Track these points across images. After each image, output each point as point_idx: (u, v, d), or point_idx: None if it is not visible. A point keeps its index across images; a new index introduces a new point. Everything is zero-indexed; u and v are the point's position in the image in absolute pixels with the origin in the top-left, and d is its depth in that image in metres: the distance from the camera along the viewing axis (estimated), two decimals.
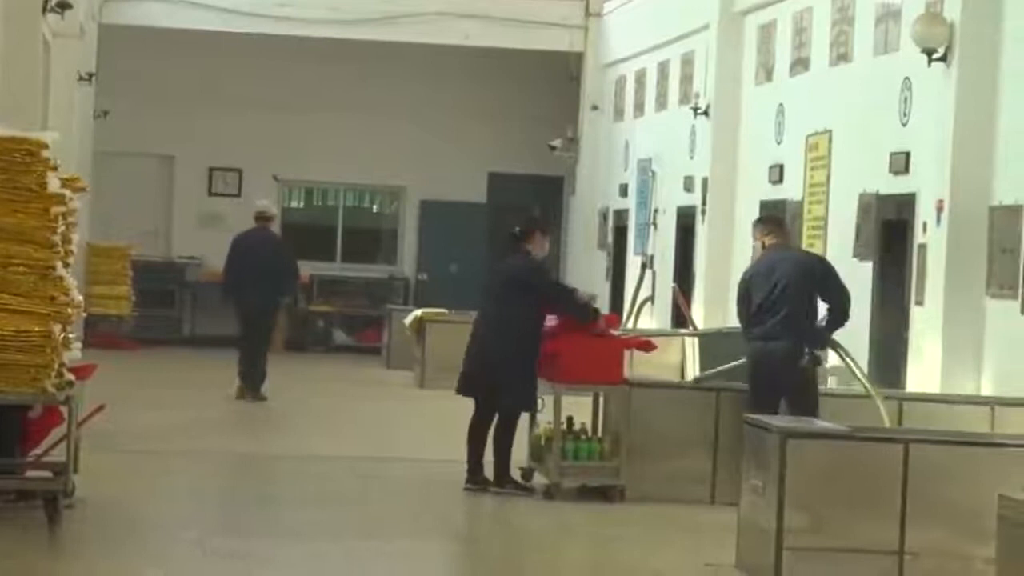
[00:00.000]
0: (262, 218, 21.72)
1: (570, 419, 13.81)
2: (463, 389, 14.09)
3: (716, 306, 21.64)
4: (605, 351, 13.81)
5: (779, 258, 13.66)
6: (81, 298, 12.55)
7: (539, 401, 13.89)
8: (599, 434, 13.99)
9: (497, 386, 13.81)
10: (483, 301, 14.54)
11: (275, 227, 21.98)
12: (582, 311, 13.99)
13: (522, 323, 13.81)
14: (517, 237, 14.13)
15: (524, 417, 14.01)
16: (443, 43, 28.38)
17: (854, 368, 13.62)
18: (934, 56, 15.45)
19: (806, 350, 13.23)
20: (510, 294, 13.91)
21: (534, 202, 30.63)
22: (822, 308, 13.70)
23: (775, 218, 14.97)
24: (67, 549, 11.11)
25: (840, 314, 13.57)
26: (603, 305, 26.65)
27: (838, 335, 13.70)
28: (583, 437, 13.84)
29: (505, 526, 13.16)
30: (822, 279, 13.60)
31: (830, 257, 18.24)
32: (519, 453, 14.01)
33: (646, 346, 14.75)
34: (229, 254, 21.40)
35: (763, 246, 13.88)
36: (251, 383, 20.58)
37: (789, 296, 13.38)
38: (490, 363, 13.85)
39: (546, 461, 13.79)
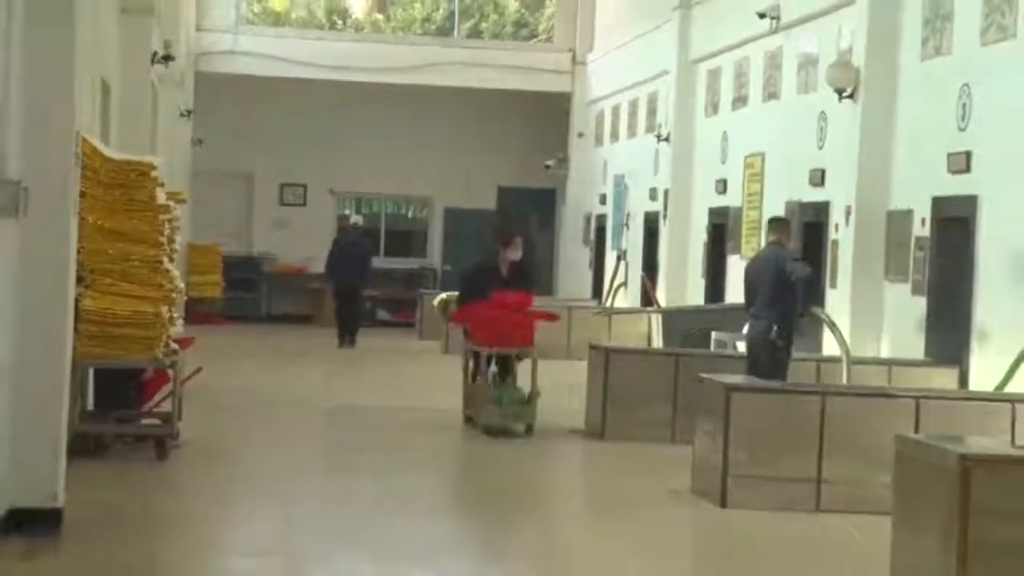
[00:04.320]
0: (352, 226, 25.03)
1: (510, 374, 13.80)
2: None
3: (675, 290, 21.67)
4: (522, 322, 13.82)
5: (763, 254, 13.58)
6: (183, 285, 12.59)
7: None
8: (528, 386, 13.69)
9: None
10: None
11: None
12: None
13: None
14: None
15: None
16: (462, 86, 28.41)
17: (836, 334, 13.56)
18: (844, 94, 15.47)
19: (775, 327, 13.11)
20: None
21: (533, 210, 30.67)
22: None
23: (777, 219, 14.62)
24: (173, 480, 11.13)
25: (800, 288, 13.28)
26: (587, 289, 26.79)
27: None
28: (515, 388, 13.73)
29: (497, 459, 12.85)
30: (779, 267, 13.31)
31: None
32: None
33: (550, 318, 14.59)
34: (331, 250, 23.85)
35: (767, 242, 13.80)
36: (347, 338, 23.08)
37: (762, 284, 13.30)
38: None
39: (480, 407, 13.74)
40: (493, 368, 14.07)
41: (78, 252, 9.24)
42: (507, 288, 14.07)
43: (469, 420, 14.03)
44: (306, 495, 10.61)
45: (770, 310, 13.19)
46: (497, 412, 13.55)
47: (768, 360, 13.06)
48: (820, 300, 15.91)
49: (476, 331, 13.98)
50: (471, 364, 14.16)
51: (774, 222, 14.30)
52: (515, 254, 14.52)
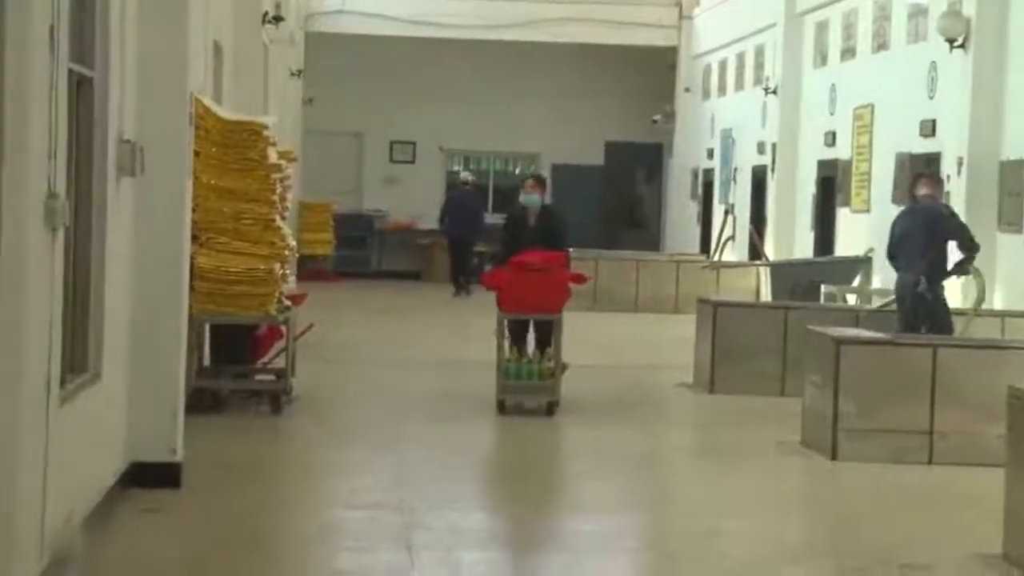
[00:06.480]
0: (463, 183, 26.52)
1: (547, 344, 12.41)
2: None
3: (782, 243, 21.49)
4: (545, 284, 12.25)
5: (912, 209, 13.09)
6: (295, 242, 12.68)
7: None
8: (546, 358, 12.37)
9: None
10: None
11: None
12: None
13: None
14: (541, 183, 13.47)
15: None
16: (568, 41, 28.32)
17: (978, 292, 13.27)
18: (955, 44, 15.23)
19: (922, 280, 12.74)
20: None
21: (641, 164, 30.53)
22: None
23: (924, 175, 13.92)
24: (288, 433, 11.26)
25: (964, 250, 12.78)
26: (694, 243, 26.66)
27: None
28: (532, 361, 12.37)
29: (604, 412, 12.62)
30: (936, 225, 12.75)
31: (873, 202, 18.12)
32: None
33: (579, 279, 12.57)
34: (444, 205, 25.99)
35: (913, 197, 13.32)
36: (460, 287, 24.63)
37: (909, 239, 12.80)
38: None
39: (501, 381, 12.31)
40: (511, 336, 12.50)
41: (192, 211, 9.34)
42: (534, 239, 12.70)
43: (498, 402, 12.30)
44: (416, 447, 10.66)
45: (914, 264, 12.79)
46: (507, 386, 12.16)
47: (912, 312, 12.71)
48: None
49: (500, 295, 12.39)
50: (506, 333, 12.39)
51: (928, 176, 13.85)
52: (530, 199, 13.10)
